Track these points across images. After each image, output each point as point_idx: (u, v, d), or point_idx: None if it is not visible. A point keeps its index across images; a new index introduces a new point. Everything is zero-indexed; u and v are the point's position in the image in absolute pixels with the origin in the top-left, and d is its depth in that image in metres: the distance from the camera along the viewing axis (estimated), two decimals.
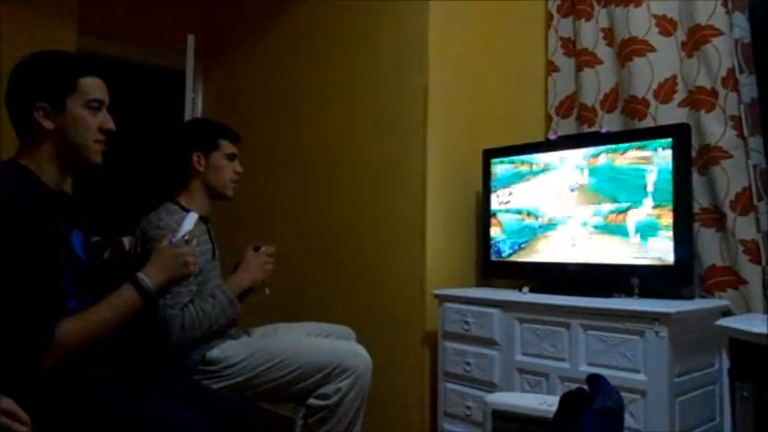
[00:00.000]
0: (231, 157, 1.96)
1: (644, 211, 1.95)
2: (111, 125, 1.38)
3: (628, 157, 2.01)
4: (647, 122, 2.13)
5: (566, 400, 1.36)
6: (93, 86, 1.36)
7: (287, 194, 3.11)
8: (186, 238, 1.41)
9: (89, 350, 1.27)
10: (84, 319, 1.26)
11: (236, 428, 1.50)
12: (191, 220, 1.51)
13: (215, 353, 1.78)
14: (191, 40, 3.21)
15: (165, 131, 2.11)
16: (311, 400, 1.80)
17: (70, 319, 1.23)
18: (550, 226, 2.20)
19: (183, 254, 1.39)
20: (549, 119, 2.49)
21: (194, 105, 3.36)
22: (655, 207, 1.93)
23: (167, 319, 1.67)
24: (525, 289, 2.14)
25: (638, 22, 2.16)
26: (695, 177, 2.00)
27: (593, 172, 2.10)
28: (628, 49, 2.18)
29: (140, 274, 1.35)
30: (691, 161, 1.96)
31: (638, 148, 1.99)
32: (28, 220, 1.22)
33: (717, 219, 1.99)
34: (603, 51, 2.30)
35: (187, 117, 3.21)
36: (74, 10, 3.07)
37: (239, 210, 2.97)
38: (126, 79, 2.81)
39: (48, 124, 1.31)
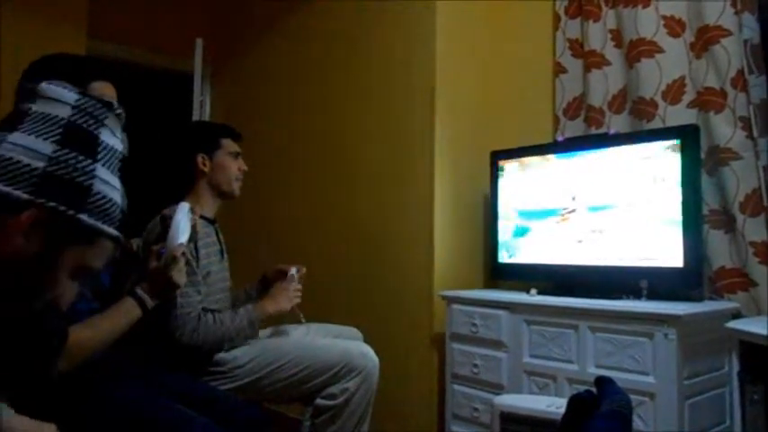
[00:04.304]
0: (235, 155, 1.97)
1: (653, 213, 1.94)
2: None
3: (636, 158, 2.00)
4: (656, 124, 2.12)
5: (573, 402, 1.35)
6: (103, 90, 1.36)
7: (293, 196, 3.11)
8: (176, 251, 1.47)
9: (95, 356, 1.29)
10: (91, 326, 1.31)
11: (244, 430, 1.50)
12: (182, 210, 1.55)
13: (222, 354, 1.79)
14: (199, 43, 3.24)
15: (167, 135, 2.13)
16: (318, 401, 1.81)
17: (79, 325, 1.26)
18: (558, 227, 2.19)
19: (168, 276, 1.47)
20: (556, 120, 2.48)
21: (202, 108, 3.38)
22: (664, 209, 1.92)
23: (180, 317, 1.67)
24: (533, 291, 2.13)
25: (646, 23, 2.15)
26: (704, 179, 1.99)
27: (600, 174, 2.09)
28: (636, 51, 2.17)
29: (139, 290, 1.44)
30: (700, 162, 1.95)
31: (647, 149, 1.98)
32: None
33: (726, 220, 1.98)
34: (611, 52, 2.29)
35: (195, 119, 3.23)
36: (83, 13, 3.10)
37: (246, 212, 2.98)
38: (134, 82, 2.83)
39: None
